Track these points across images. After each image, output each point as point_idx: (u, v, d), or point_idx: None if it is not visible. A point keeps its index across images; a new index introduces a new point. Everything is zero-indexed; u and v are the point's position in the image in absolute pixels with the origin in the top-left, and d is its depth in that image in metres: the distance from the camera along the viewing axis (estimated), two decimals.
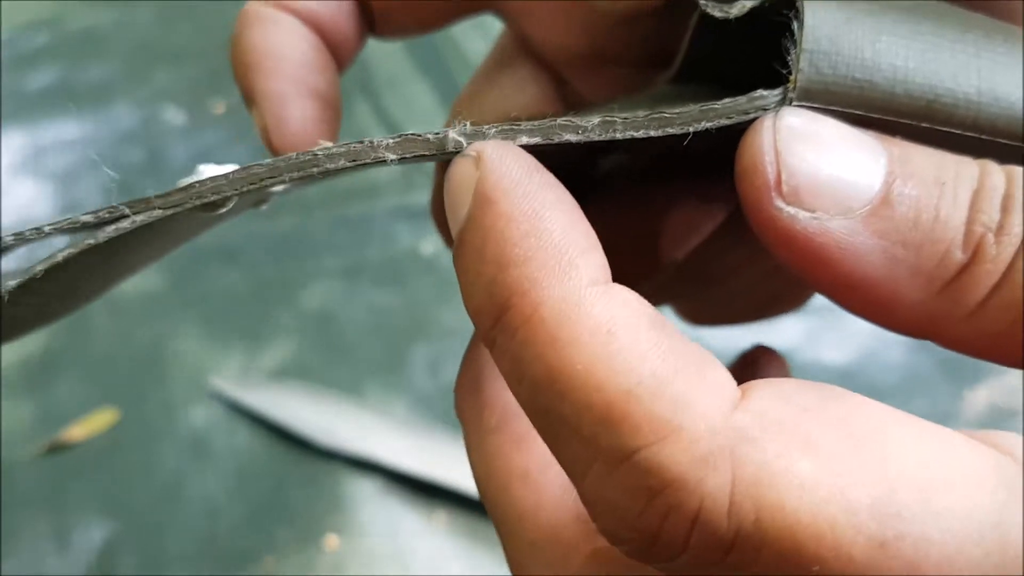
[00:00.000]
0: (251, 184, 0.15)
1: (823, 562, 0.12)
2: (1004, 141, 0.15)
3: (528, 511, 0.17)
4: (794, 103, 0.15)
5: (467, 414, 0.19)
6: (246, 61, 0.21)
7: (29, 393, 0.60)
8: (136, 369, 0.61)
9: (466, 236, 0.15)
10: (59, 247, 0.16)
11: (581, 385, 0.13)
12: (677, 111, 0.15)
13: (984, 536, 0.12)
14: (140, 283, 0.63)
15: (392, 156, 0.15)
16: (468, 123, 0.15)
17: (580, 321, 0.13)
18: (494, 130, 0.15)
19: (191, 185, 0.16)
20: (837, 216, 0.14)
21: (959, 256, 0.14)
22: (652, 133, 0.15)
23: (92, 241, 0.15)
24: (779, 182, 0.14)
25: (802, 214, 0.14)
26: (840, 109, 0.15)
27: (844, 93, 0.15)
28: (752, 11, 0.16)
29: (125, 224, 0.15)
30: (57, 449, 0.56)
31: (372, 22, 0.23)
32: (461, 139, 0.15)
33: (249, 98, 0.22)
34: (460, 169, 0.15)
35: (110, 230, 0.15)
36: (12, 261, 0.16)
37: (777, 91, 0.15)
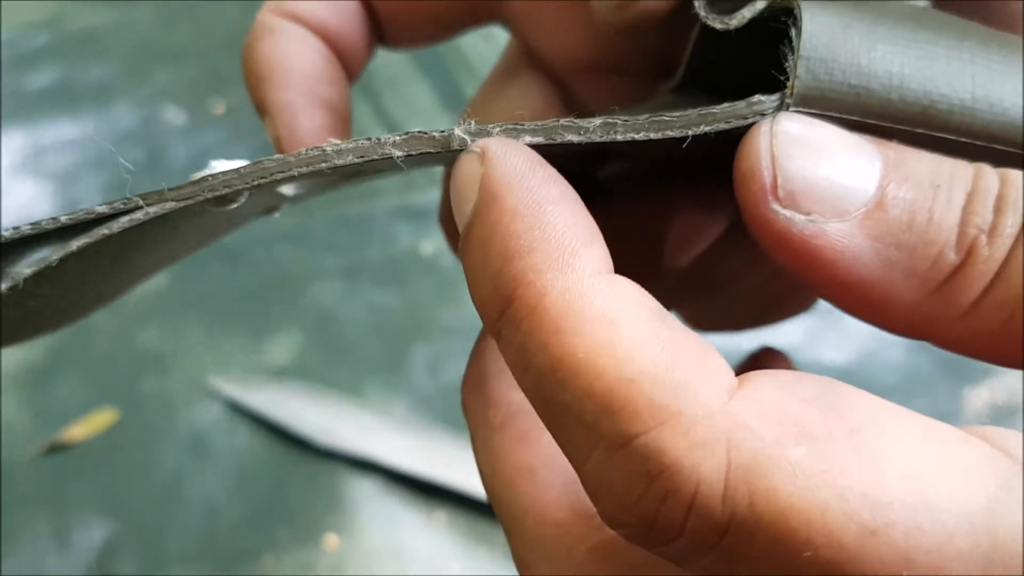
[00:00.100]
0: (261, 178, 0.16)
1: (815, 547, 0.13)
2: (999, 147, 0.15)
3: (533, 506, 0.18)
4: (791, 109, 0.15)
5: (473, 411, 0.19)
6: (258, 72, 0.22)
7: (29, 393, 0.60)
8: (136, 369, 0.61)
9: (472, 230, 0.15)
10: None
11: (584, 373, 0.13)
12: (677, 115, 0.16)
13: (975, 527, 0.12)
14: None
15: (398, 153, 0.16)
16: (473, 122, 0.16)
17: (583, 311, 0.14)
18: (498, 129, 0.16)
19: (203, 178, 0.16)
20: (833, 219, 0.14)
21: (952, 257, 0.14)
22: (652, 135, 0.16)
23: (107, 231, 0.16)
24: (775, 186, 0.14)
25: (798, 217, 0.14)
26: (837, 115, 0.15)
27: (841, 99, 0.15)
28: (751, 21, 0.17)
29: (139, 215, 0.16)
30: (57, 449, 0.56)
31: (381, 33, 0.24)
32: (466, 136, 0.16)
33: (261, 109, 0.22)
34: (465, 165, 0.15)
35: (124, 221, 0.16)
36: (26, 267, 0.16)
37: (775, 97, 0.15)
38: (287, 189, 0.19)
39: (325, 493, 0.54)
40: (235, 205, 0.16)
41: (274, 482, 0.55)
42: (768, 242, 0.15)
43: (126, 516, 0.53)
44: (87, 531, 0.53)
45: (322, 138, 0.21)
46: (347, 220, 0.70)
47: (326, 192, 0.21)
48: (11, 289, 0.16)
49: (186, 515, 0.53)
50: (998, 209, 0.14)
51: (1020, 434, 0.14)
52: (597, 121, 0.16)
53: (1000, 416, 0.56)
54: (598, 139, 0.16)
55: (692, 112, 0.16)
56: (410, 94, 0.82)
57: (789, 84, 0.15)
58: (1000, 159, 0.15)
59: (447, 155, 0.16)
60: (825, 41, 0.15)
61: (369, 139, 0.16)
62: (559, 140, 0.16)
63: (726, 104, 0.15)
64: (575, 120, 0.16)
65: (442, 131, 0.16)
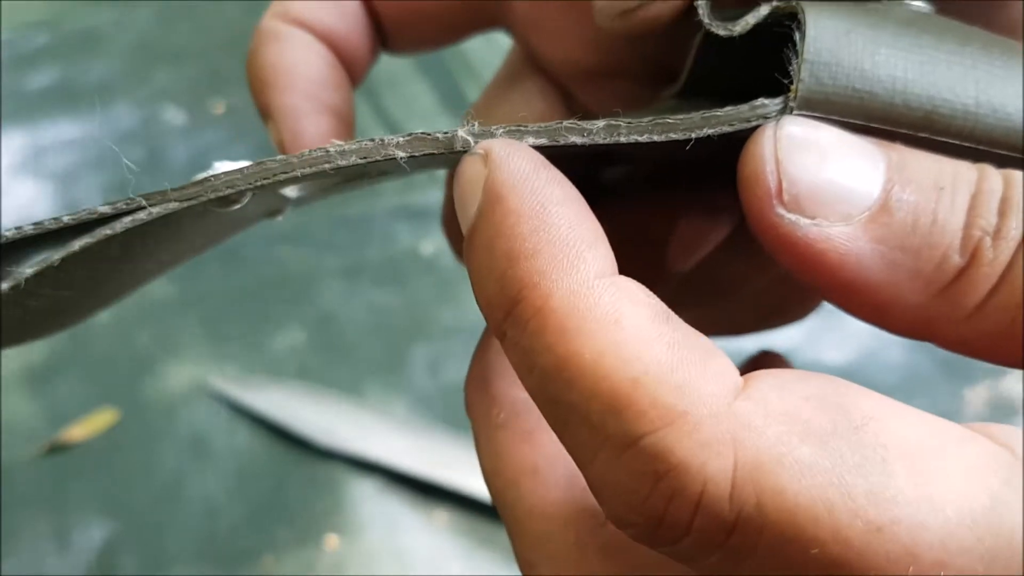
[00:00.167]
0: (264, 179, 0.16)
1: (821, 544, 0.13)
2: (1001, 151, 0.15)
3: (536, 505, 0.18)
4: (795, 112, 0.15)
5: (476, 411, 0.19)
6: (262, 77, 0.22)
7: (29, 393, 0.60)
8: (136, 369, 0.61)
9: (476, 232, 0.15)
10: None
11: (589, 373, 0.14)
12: (680, 117, 0.16)
13: (978, 523, 0.13)
14: None
15: (402, 154, 0.16)
16: (476, 123, 0.16)
17: (588, 312, 0.14)
18: (502, 130, 0.16)
19: (206, 179, 0.16)
20: (837, 222, 0.14)
21: (957, 260, 0.14)
22: (655, 138, 0.16)
23: (109, 231, 0.16)
24: (780, 190, 0.15)
25: (803, 221, 0.14)
26: (840, 119, 0.15)
27: (844, 103, 0.15)
28: (755, 26, 0.17)
29: (142, 215, 0.16)
30: (57, 449, 0.56)
31: (384, 38, 0.24)
32: (469, 138, 0.16)
33: (265, 113, 0.22)
34: (469, 167, 0.15)
35: (127, 221, 0.16)
36: (28, 267, 0.16)
37: (778, 100, 0.16)
38: (290, 191, 0.19)
39: (325, 493, 0.54)
40: (238, 206, 0.16)
41: (274, 482, 0.55)
42: (773, 245, 0.15)
43: (126, 516, 0.53)
44: (87, 531, 0.53)
45: (326, 142, 0.22)
46: (347, 220, 0.70)
47: (330, 195, 0.21)
48: (13, 288, 0.16)
49: (186, 515, 0.53)
50: (1002, 212, 0.14)
51: (1022, 431, 0.14)
52: (600, 123, 0.16)
53: (1000, 415, 0.56)
54: (601, 141, 0.16)
55: (695, 115, 0.16)
56: (410, 94, 0.82)
57: (793, 88, 0.15)
58: (1002, 164, 0.15)
59: (450, 157, 0.16)
60: (829, 45, 0.15)
61: (372, 140, 0.16)
62: (563, 142, 0.16)
63: (729, 107, 0.16)
64: (578, 122, 0.16)
65: (445, 132, 0.16)
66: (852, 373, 0.59)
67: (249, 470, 0.55)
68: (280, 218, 0.21)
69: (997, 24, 0.19)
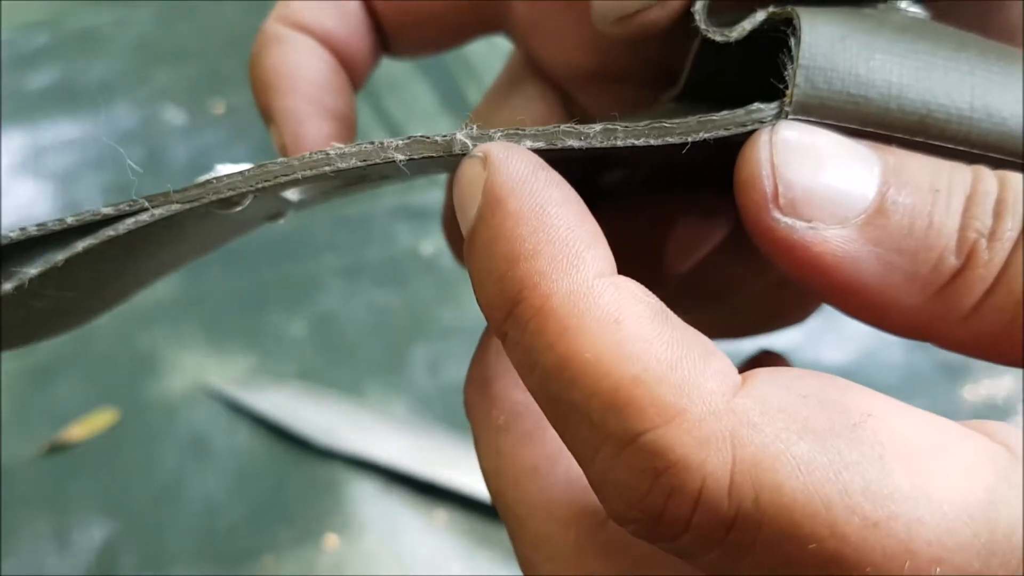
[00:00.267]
0: (265, 181, 0.16)
1: (819, 540, 0.13)
2: (996, 156, 0.15)
3: (537, 505, 0.18)
4: (790, 117, 0.15)
5: (476, 411, 0.19)
6: (264, 80, 0.22)
7: (30, 393, 0.60)
8: (136, 369, 0.61)
9: (476, 234, 0.15)
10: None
11: (590, 372, 0.14)
12: (676, 121, 0.16)
13: (974, 518, 0.13)
14: None
15: (401, 156, 0.16)
16: (475, 126, 0.16)
17: (588, 311, 0.14)
18: (500, 133, 0.16)
19: (208, 181, 0.16)
20: (833, 226, 0.15)
21: (953, 261, 0.14)
22: (652, 142, 0.16)
23: (112, 233, 0.16)
24: (776, 194, 0.15)
25: (799, 225, 0.15)
26: (836, 123, 0.15)
27: (839, 108, 0.15)
28: (752, 32, 0.17)
29: (144, 217, 0.16)
30: (57, 449, 0.56)
31: (386, 42, 0.24)
32: (468, 141, 0.16)
33: (267, 116, 0.22)
34: (468, 170, 0.16)
35: (129, 223, 0.16)
36: (32, 268, 0.16)
37: (774, 105, 0.16)
38: (291, 194, 0.19)
39: (325, 493, 0.54)
40: (239, 208, 0.16)
41: (274, 482, 0.55)
42: (770, 249, 0.15)
43: (126, 516, 0.53)
44: (87, 531, 0.53)
45: (327, 145, 0.22)
46: (347, 220, 0.71)
47: (331, 199, 0.22)
48: (17, 289, 0.16)
49: (186, 515, 0.53)
50: (997, 213, 0.14)
51: (1019, 429, 0.14)
52: (598, 127, 0.16)
53: (999, 415, 0.56)
54: (599, 144, 0.16)
55: (692, 119, 0.16)
56: (410, 95, 0.82)
57: (788, 92, 0.16)
58: (998, 168, 0.15)
59: (449, 160, 0.16)
60: (824, 50, 0.16)
61: (372, 143, 0.16)
62: (560, 145, 0.16)
63: (725, 111, 0.16)
64: (576, 126, 0.16)
65: (444, 135, 0.16)
66: (852, 373, 0.59)
67: (249, 470, 0.56)
68: (282, 221, 0.21)
69: (992, 29, 0.19)
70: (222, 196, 0.16)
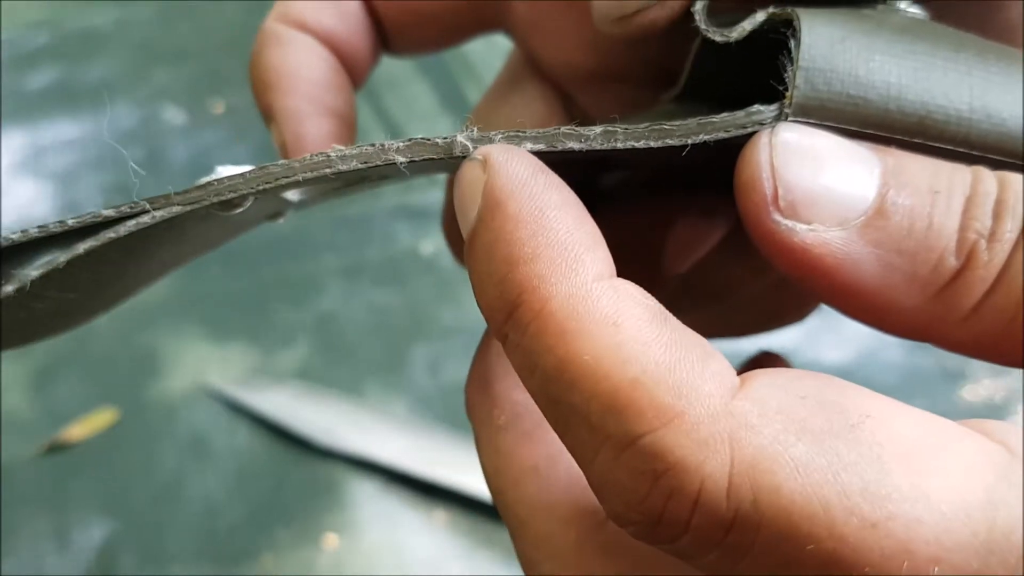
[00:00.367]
0: (266, 183, 0.16)
1: (817, 541, 0.13)
2: (995, 157, 0.15)
3: (538, 505, 0.18)
4: (790, 119, 0.16)
5: (477, 412, 0.20)
6: (264, 80, 0.22)
7: (30, 392, 0.60)
8: (136, 369, 0.61)
9: (476, 237, 0.15)
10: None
11: (589, 374, 0.14)
12: (676, 123, 0.16)
13: (973, 519, 0.13)
14: None
15: (402, 159, 0.16)
16: (475, 128, 0.16)
17: (587, 314, 0.14)
18: (500, 136, 0.16)
19: (209, 183, 0.16)
20: (833, 227, 0.15)
21: (952, 262, 0.14)
22: (652, 144, 0.16)
23: (113, 235, 0.16)
24: (776, 197, 0.15)
25: (800, 226, 0.15)
26: (836, 125, 0.16)
27: (839, 109, 0.15)
28: (752, 32, 0.17)
29: (146, 219, 0.16)
30: (57, 449, 0.56)
31: (386, 40, 0.24)
32: (468, 143, 0.16)
33: (268, 115, 0.22)
34: (468, 173, 0.16)
35: (131, 225, 0.16)
36: (34, 269, 0.16)
37: (773, 107, 0.16)
38: (292, 195, 0.19)
39: (325, 493, 0.54)
40: (240, 210, 0.16)
41: (274, 482, 0.55)
42: (770, 251, 0.15)
43: (126, 515, 0.54)
44: (87, 530, 0.53)
45: (328, 145, 0.22)
46: (347, 220, 0.71)
47: (331, 199, 0.22)
48: (18, 291, 0.16)
49: (186, 515, 0.53)
50: (997, 214, 0.14)
51: (1018, 428, 0.14)
52: (598, 129, 0.16)
53: (999, 414, 0.56)
54: (599, 147, 0.16)
55: (691, 121, 0.16)
56: (410, 95, 0.82)
57: (788, 94, 0.16)
58: (997, 169, 0.15)
59: (450, 162, 0.16)
60: (823, 52, 0.16)
61: (373, 145, 0.16)
62: (560, 147, 0.16)
63: (725, 113, 0.16)
64: (576, 128, 0.16)
65: (445, 138, 0.16)
66: (852, 373, 0.59)
67: (249, 470, 0.56)
68: (281, 220, 0.21)
69: (991, 29, 0.19)
70: (223, 198, 0.16)
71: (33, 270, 0.16)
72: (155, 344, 0.62)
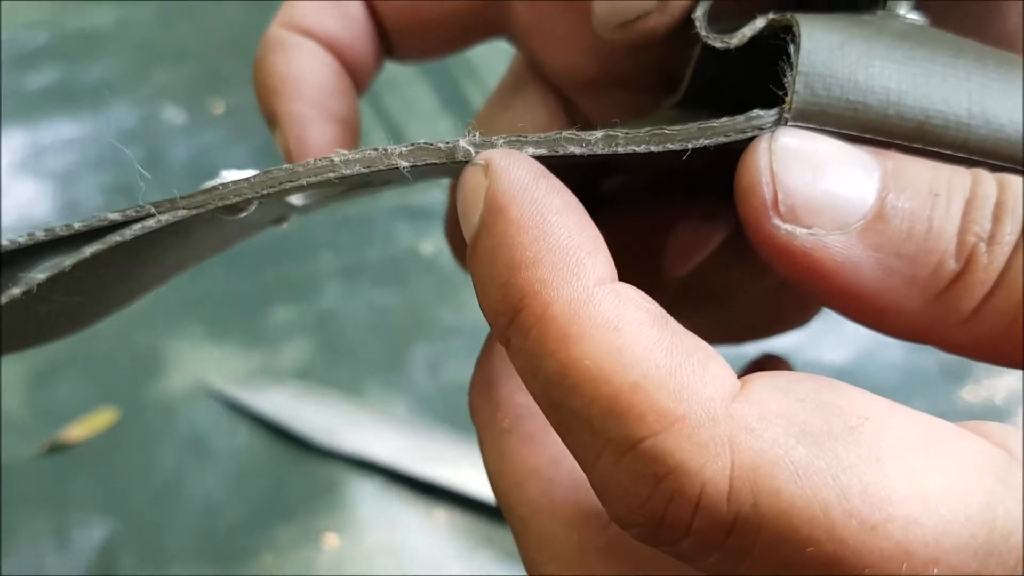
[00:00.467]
0: (271, 187, 0.16)
1: (817, 543, 0.13)
2: (994, 162, 0.16)
3: (541, 507, 0.18)
4: (790, 123, 0.16)
5: (480, 415, 0.20)
6: (268, 85, 0.22)
7: (30, 392, 0.60)
8: (136, 369, 0.61)
9: (479, 242, 0.15)
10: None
11: (591, 379, 0.14)
12: (677, 128, 0.16)
13: (972, 520, 0.13)
14: None
15: (405, 163, 0.16)
16: (477, 133, 0.16)
17: (588, 318, 0.14)
18: (502, 140, 0.16)
19: (214, 187, 0.16)
20: (833, 231, 0.15)
21: (952, 265, 0.14)
22: (652, 148, 0.16)
23: (119, 238, 0.16)
24: (776, 201, 0.15)
25: (799, 231, 0.15)
26: (835, 130, 0.16)
27: (839, 114, 0.16)
28: (752, 38, 0.17)
29: (151, 223, 0.16)
30: (57, 449, 0.56)
31: (389, 46, 0.24)
32: (470, 148, 0.16)
33: (272, 120, 0.23)
34: (470, 177, 0.16)
35: (136, 228, 0.16)
36: (40, 272, 0.16)
37: (773, 111, 0.16)
38: (296, 199, 0.19)
39: (325, 493, 0.54)
40: (245, 214, 0.16)
41: (274, 482, 0.55)
42: (770, 255, 0.15)
43: (126, 515, 0.54)
44: (87, 530, 0.53)
45: (331, 150, 0.22)
46: (347, 220, 0.71)
47: (335, 202, 0.22)
48: (25, 293, 0.16)
49: (186, 514, 0.53)
50: (997, 217, 0.14)
51: (1018, 430, 0.14)
52: (599, 134, 0.16)
53: (999, 415, 0.56)
54: (600, 151, 0.16)
55: (692, 126, 0.16)
56: (412, 97, 0.82)
57: (788, 99, 0.16)
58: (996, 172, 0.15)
59: (452, 167, 0.16)
60: (823, 57, 0.16)
61: (376, 149, 0.16)
62: (562, 152, 0.16)
63: (725, 118, 0.16)
64: (577, 133, 0.16)
65: (447, 142, 0.16)
66: (852, 373, 0.59)
67: (249, 470, 0.56)
68: (285, 225, 0.21)
69: (990, 35, 0.19)
70: (228, 202, 0.16)
71: (39, 273, 0.16)
72: (155, 344, 0.62)
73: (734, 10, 0.18)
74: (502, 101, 0.25)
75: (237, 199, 0.16)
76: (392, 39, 0.24)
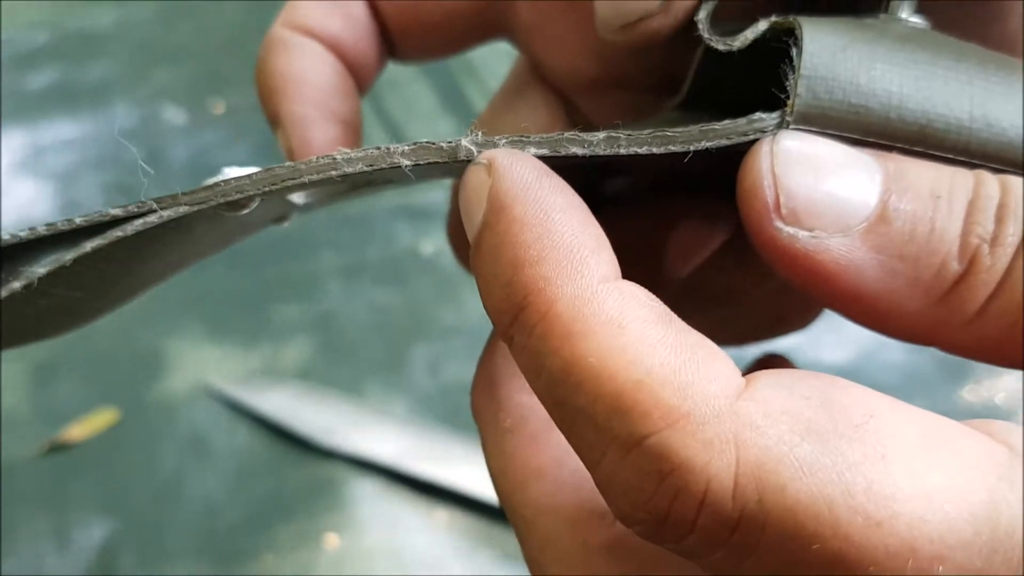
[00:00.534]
0: (273, 184, 0.16)
1: (822, 540, 0.13)
2: (995, 166, 0.16)
3: (544, 507, 0.18)
4: (791, 126, 0.16)
5: (483, 415, 0.20)
6: (271, 85, 0.22)
7: (30, 392, 0.60)
8: (136, 369, 0.61)
9: (482, 241, 0.15)
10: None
11: (595, 376, 0.14)
12: (679, 130, 0.16)
13: (976, 517, 0.13)
14: None
15: (407, 162, 0.16)
16: (480, 133, 0.16)
17: (592, 316, 0.14)
18: (504, 140, 0.16)
19: (216, 184, 0.16)
20: (836, 234, 0.15)
21: (955, 267, 0.14)
22: (654, 150, 0.16)
23: (120, 234, 0.16)
24: (778, 204, 0.15)
25: (802, 234, 0.15)
26: (837, 133, 0.16)
27: (840, 118, 0.16)
28: (754, 41, 0.17)
29: (153, 219, 0.16)
30: (57, 449, 0.56)
31: (392, 47, 0.24)
32: (473, 147, 0.16)
33: (274, 121, 0.23)
34: (473, 176, 0.16)
35: (138, 224, 0.16)
36: (41, 267, 0.16)
37: (775, 114, 0.16)
38: (297, 198, 0.19)
39: (325, 493, 0.54)
40: (247, 211, 0.17)
41: (274, 482, 0.55)
42: (773, 258, 0.15)
43: (126, 515, 0.54)
44: (87, 530, 0.53)
45: (334, 150, 0.22)
46: (348, 220, 0.71)
47: (336, 202, 0.22)
48: (26, 288, 0.16)
49: (186, 514, 0.53)
50: (999, 218, 0.14)
51: (1020, 428, 0.14)
52: (601, 135, 0.16)
53: (1000, 415, 0.56)
54: (602, 152, 0.16)
55: (694, 128, 0.16)
56: (412, 96, 0.82)
57: (789, 102, 0.16)
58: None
59: (454, 166, 0.16)
60: (825, 60, 0.16)
61: (378, 148, 0.16)
62: (564, 152, 0.16)
63: (727, 120, 0.16)
64: (580, 134, 0.16)
65: (449, 142, 0.16)
66: (852, 373, 0.59)
67: (249, 470, 0.56)
68: (286, 224, 0.21)
69: (992, 39, 0.19)
70: (230, 199, 0.16)
71: (40, 267, 0.16)
72: (156, 344, 0.62)
73: (737, 12, 0.18)
74: (504, 103, 0.25)
75: (239, 196, 0.16)
76: (394, 40, 0.24)
